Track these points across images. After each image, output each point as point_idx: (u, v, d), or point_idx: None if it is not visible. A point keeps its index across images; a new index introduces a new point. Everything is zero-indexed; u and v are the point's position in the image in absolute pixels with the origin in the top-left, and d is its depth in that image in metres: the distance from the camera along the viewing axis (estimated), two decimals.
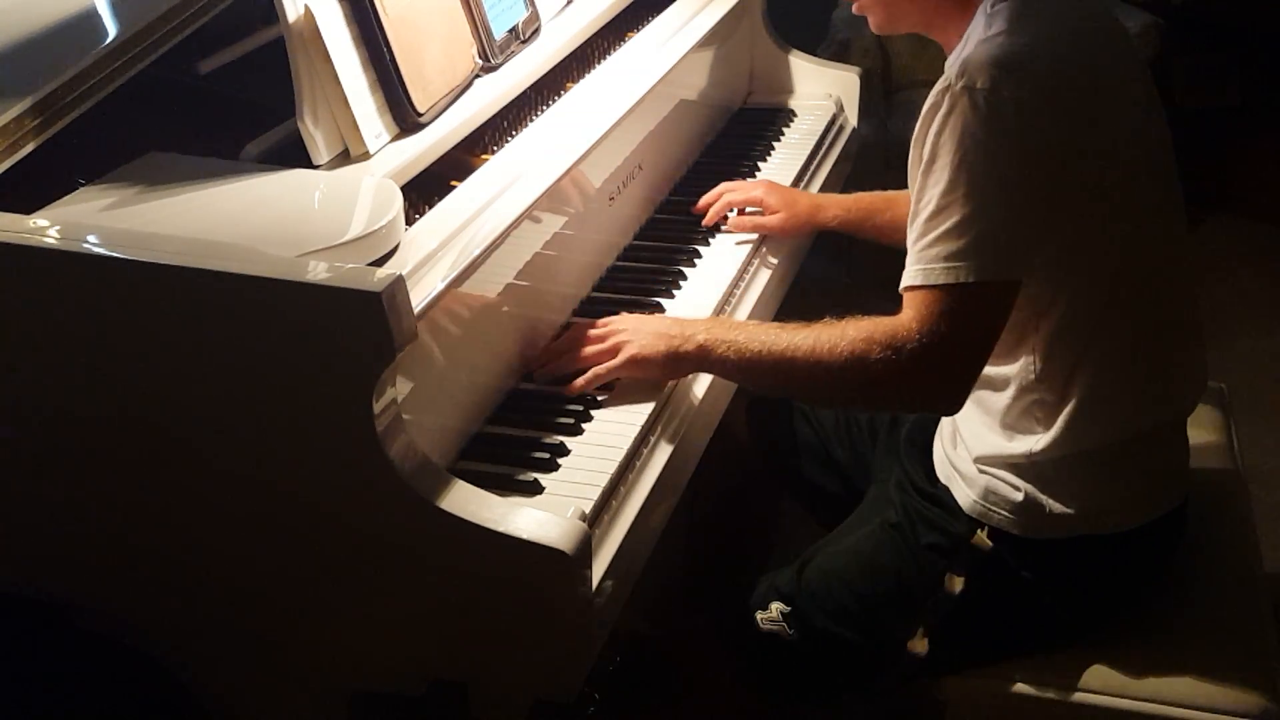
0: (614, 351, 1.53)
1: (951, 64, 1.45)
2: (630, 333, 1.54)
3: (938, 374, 1.39)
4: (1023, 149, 1.34)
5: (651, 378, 1.54)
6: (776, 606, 1.63)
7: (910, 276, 1.39)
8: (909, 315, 1.38)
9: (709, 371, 1.54)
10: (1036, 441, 1.49)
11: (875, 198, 1.94)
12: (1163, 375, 1.53)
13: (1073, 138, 1.37)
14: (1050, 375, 1.47)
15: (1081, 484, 1.50)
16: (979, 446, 1.55)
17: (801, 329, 1.44)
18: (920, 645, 1.58)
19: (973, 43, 1.41)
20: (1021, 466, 1.51)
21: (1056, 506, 1.50)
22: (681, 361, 1.51)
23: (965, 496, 1.57)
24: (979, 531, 1.55)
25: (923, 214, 1.38)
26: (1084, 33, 1.45)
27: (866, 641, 1.60)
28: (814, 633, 1.61)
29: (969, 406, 1.52)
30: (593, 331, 1.57)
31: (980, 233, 1.34)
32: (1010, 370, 1.49)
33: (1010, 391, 1.50)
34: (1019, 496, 1.51)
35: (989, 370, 1.48)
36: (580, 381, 1.53)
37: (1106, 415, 1.48)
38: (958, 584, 1.58)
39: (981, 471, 1.54)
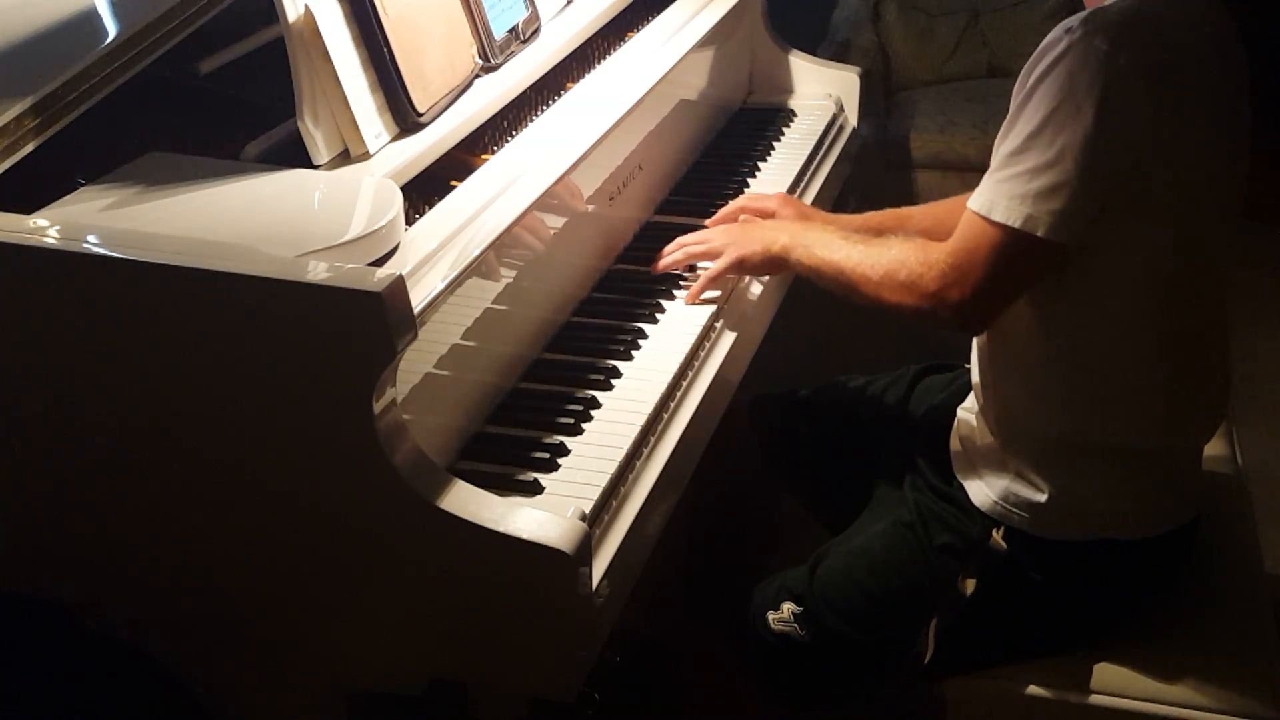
0: (719, 254, 1.74)
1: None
2: (733, 235, 1.76)
3: (957, 299, 1.44)
4: (1120, 118, 1.33)
5: (753, 274, 1.80)
6: (788, 607, 1.64)
7: (975, 200, 1.42)
8: (954, 237, 1.45)
9: (793, 270, 1.69)
10: (1067, 428, 1.49)
11: (886, 217, 1.92)
12: (1194, 394, 1.53)
13: (1170, 123, 1.35)
14: (1098, 366, 1.47)
15: (1103, 484, 1.50)
16: (1008, 429, 1.54)
17: (860, 243, 1.56)
18: (929, 646, 1.58)
19: None
20: (1049, 457, 1.51)
21: (1077, 507, 1.50)
22: (775, 260, 1.69)
23: (983, 496, 1.57)
24: (994, 532, 1.55)
25: (1007, 145, 1.40)
26: (1218, 32, 1.44)
27: (877, 643, 1.60)
28: (825, 634, 1.61)
29: (1006, 378, 1.53)
30: (699, 235, 1.81)
31: (1047, 186, 1.35)
32: (1056, 341, 1.48)
33: (1055, 369, 1.49)
34: (1041, 497, 1.51)
35: (1039, 342, 1.49)
36: (697, 287, 1.74)
37: (1138, 413, 1.48)
38: (969, 585, 1.58)
39: (1006, 464, 1.54)
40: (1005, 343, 1.53)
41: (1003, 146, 1.41)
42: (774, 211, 1.93)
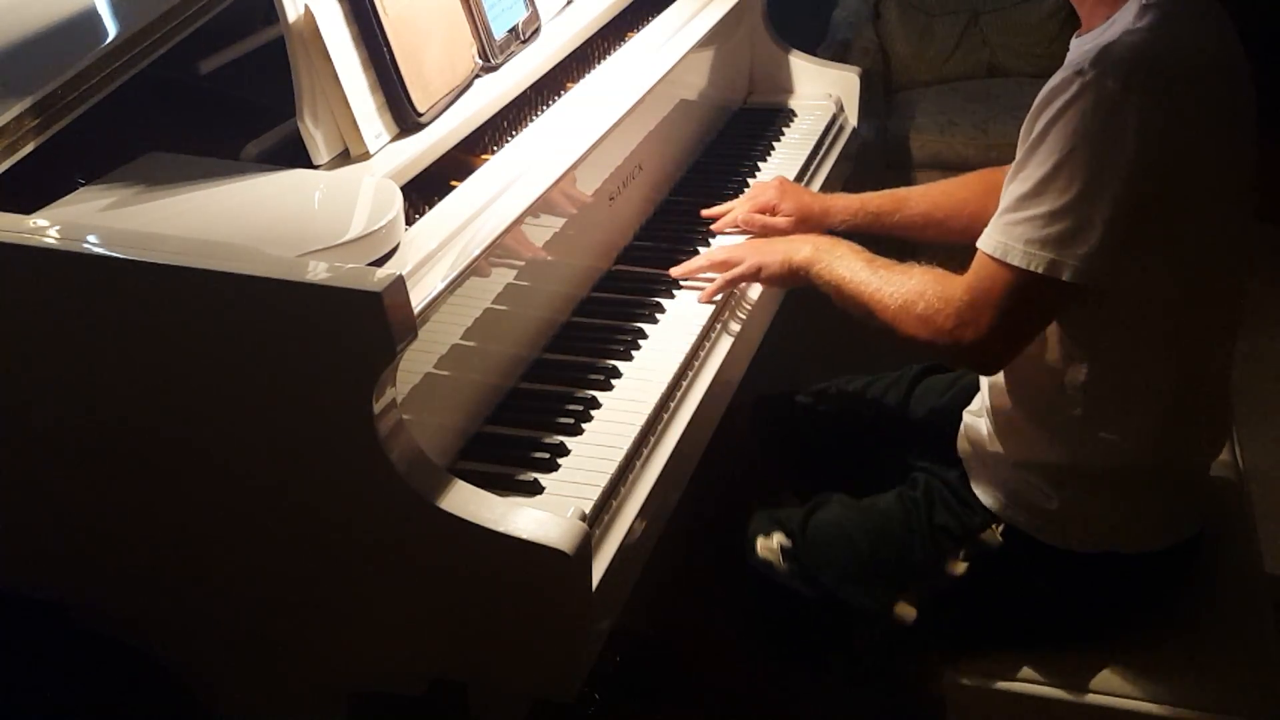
0: (739, 262, 1.73)
1: (1084, 43, 1.43)
2: (756, 246, 1.76)
3: (973, 339, 1.42)
4: (1135, 158, 1.30)
5: (771, 284, 1.77)
6: (778, 537, 1.66)
7: (987, 241, 1.39)
8: (968, 277, 1.42)
9: (812, 284, 1.65)
10: (1077, 451, 1.48)
11: (884, 198, 1.93)
12: (1203, 412, 1.53)
13: (1186, 155, 1.33)
14: (1109, 392, 1.46)
15: (1112, 501, 1.50)
16: (1018, 448, 1.54)
17: (882, 268, 1.54)
18: (909, 614, 1.58)
19: (1118, 29, 1.37)
20: (1060, 475, 1.50)
21: (1084, 517, 1.50)
22: (796, 272, 1.67)
23: (992, 497, 1.57)
24: (992, 526, 1.55)
25: (1018, 188, 1.37)
26: (1226, 52, 1.41)
27: (853, 600, 1.61)
28: (803, 572, 1.64)
29: (1015, 403, 1.53)
30: (723, 252, 1.79)
31: (1065, 230, 1.33)
32: (1070, 377, 1.47)
33: (1065, 396, 1.48)
34: (1051, 504, 1.51)
35: (1049, 370, 1.48)
36: (712, 288, 1.74)
37: (1151, 442, 1.47)
38: (959, 568, 1.58)
39: (1015, 472, 1.54)
40: (1014, 373, 1.52)
41: (1012, 188, 1.38)
42: (776, 206, 1.92)
